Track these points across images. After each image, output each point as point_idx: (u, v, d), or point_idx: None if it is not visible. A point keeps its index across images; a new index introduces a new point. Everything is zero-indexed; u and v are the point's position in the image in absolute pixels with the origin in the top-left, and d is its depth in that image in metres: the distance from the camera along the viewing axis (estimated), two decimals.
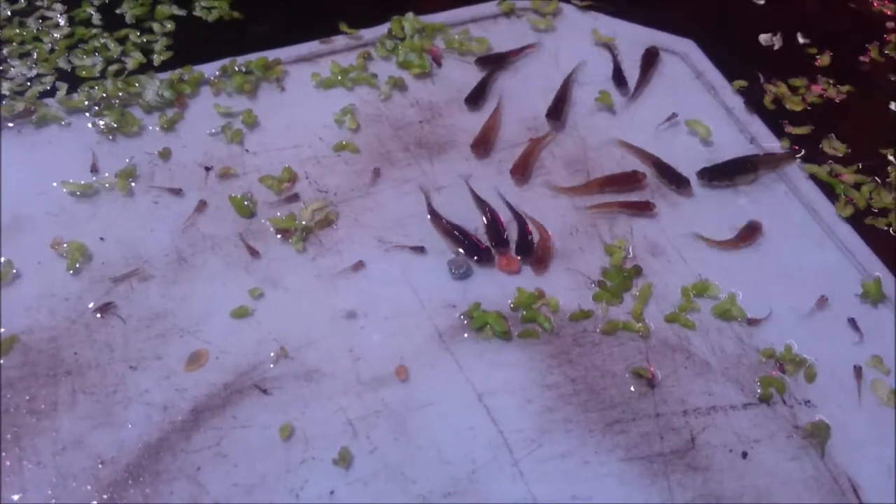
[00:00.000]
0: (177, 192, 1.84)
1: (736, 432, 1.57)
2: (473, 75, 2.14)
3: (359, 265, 1.75)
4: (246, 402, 1.56)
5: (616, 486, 1.49)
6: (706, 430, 1.57)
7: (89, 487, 1.45)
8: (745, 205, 1.92)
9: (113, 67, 2.10)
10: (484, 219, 1.84)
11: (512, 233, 1.83)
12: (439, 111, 2.06)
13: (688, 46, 2.25)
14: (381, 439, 1.53)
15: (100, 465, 1.47)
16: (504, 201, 1.88)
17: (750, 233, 1.85)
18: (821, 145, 2.06)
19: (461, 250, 1.78)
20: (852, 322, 1.72)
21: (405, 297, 1.72)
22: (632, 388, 1.62)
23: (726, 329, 1.71)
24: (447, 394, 1.59)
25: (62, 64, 2.10)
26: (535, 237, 1.82)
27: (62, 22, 2.22)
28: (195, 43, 2.20)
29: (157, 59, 2.14)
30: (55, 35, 2.17)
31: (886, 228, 1.90)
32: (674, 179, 1.94)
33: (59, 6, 2.25)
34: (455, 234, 1.80)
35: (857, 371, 1.65)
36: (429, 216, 1.83)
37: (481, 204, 1.86)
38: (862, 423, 1.60)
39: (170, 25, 2.23)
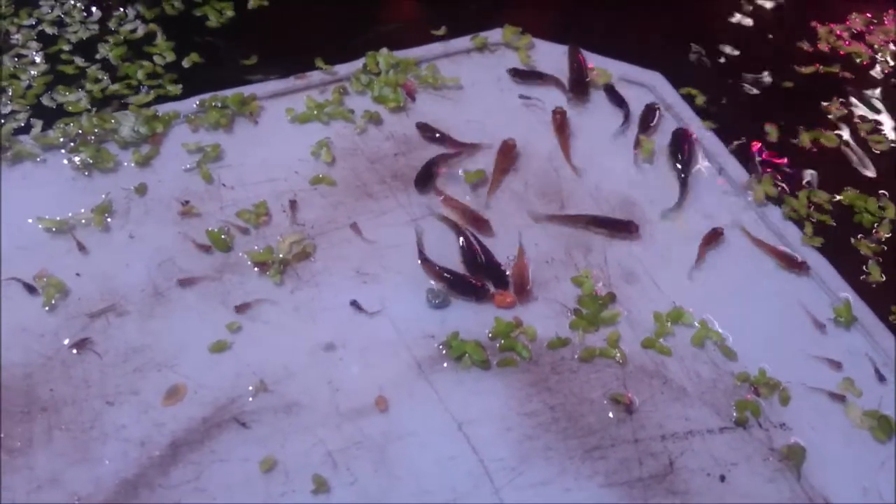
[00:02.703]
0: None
1: (713, 456, 1.59)
2: (447, 109, 2.17)
3: (337, 297, 1.76)
4: (225, 435, 1.55)
5: None
6: (684, 455, 1.58)
7: None
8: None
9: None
10: (462, 254, 1.84)
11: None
12: (414, 144, 2.08)
13: (655, 79, 2.30)
14: (362, 471, 1.52)
15: (76, 503, 1.45)
16: (473, 238, 1.87)
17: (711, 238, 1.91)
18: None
19: (457, 292, 1.78)
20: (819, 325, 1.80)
21: (383, 328, 1.73)
22: (610, 415, 1.63)
23: (701, 354, 1.73)
24: (427, 424, 1.59)
25: (46, 101, 2.11)
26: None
27: (38, 59, 2.22)
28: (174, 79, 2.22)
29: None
30: (32, 72, 2.18)
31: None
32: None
33: (34, 44, 2.26)
34: (447, 276, 1.80)
35: None
36: (419, 261, 1.83)
37: (466, 245, 1.86)
38: (836, 446, 1.62)
39: (157, 60, 2.25)
